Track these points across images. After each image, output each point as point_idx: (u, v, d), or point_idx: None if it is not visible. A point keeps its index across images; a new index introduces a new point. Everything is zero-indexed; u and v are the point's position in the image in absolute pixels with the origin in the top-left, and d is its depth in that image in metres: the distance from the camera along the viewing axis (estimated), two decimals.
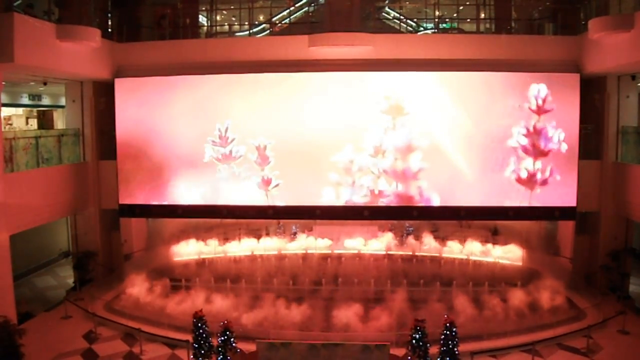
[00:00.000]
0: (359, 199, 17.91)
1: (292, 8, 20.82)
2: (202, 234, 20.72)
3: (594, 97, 17.55)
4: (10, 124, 22.67)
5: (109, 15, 19.17)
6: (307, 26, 18.99)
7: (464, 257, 19.66)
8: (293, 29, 20.03)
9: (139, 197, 18.29)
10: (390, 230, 20.57)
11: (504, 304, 15.91)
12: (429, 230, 20.43)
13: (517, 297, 16.32)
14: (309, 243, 20.39)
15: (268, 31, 20.80)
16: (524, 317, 14.73)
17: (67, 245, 21.48)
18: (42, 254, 20.78)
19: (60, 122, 23.42)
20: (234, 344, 11.96)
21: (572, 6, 17.72)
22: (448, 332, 11.60)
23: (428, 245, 19.57)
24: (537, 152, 17.20)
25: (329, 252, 20.15)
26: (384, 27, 20.90)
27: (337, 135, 17.57)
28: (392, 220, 19.90)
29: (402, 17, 21.71)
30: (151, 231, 20.49)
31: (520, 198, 17.41)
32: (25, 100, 23.71)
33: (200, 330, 12.05)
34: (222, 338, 11.85)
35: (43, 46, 14.51)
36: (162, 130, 17.95)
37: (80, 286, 17.67)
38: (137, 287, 16.86)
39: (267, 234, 21.01)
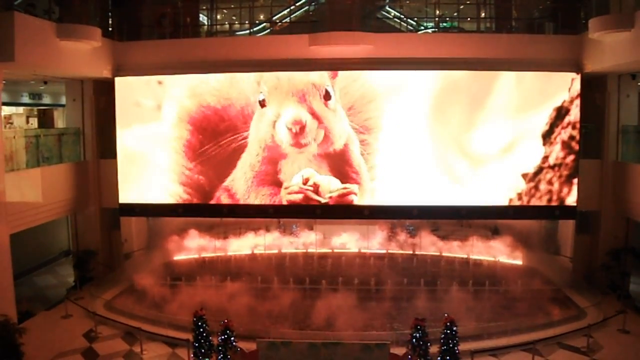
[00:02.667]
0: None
1: (292, 7, 20.81)
2: (202, 233, 20.75)
3: (594, 96, 17.54)
4: (11, 123, 22.71)
5: (110, 14, 19.18)
6: (307, 25, 18.97)
7: (464, 256, 19.73)
8: (293, 28, 20.02)
9: (140, 196, 18.27)
10: (391, 229, 20.62)
11: (504, 303, 15.97)
12: (430, 229, 20.46)
13: (517, 296, 16.39)
14: (310, 241, 20.46)
15: (268, 30, 20.81)
16: (524, 316, 14.72)
17: (67, 244, 21.48)
18: (43, 252, 20.77)
19: (60, 121, 23.46)
20: (234, 343, 11.96)
21: (572, 5, 17.71)
22: (448, 331, 11.60)
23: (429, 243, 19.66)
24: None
25: (329, 251, 20.22)
26: (385, 26, 20.89)
27: None
28: (392, 219, 19.91)
29: (402, 16, 21.69)
30: (151, 230, 20.48)
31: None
32: (25, 99, 23.75)
33: (201, 329, 12.05)
34: (223, 337, 11.85)
35: (43, 45, 14.51)
36: (162, 128, 17.91)
37: (80, 285, 17.66)
38: (137, 286, 16.91)
39: (268, 233, 21.02)
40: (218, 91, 17.58)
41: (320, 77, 17.13)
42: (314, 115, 17.16)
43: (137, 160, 18.13)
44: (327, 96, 17.10)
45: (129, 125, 18.04)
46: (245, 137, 17.61)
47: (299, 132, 17.12)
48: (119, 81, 17.98)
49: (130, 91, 17.94)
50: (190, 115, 17.78)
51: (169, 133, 17.91)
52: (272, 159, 17.62)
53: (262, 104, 17.24)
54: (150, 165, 18.11)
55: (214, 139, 17.77)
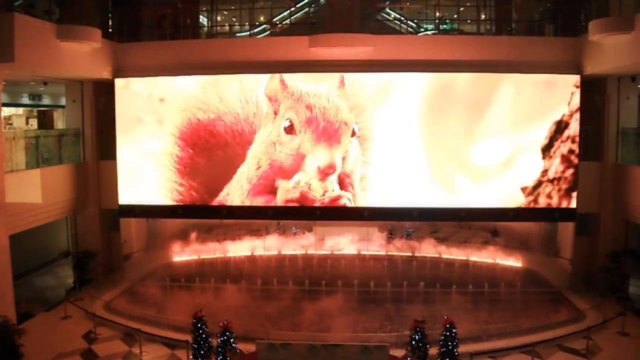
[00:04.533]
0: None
1: (292, 9, 20.82)
2: (202, 234, 20.77)
3: (594, 98, 17.54)
4: (11, 124, 22.69)
5: (110, 15, 19.18)
6: (307, 27, 18.99)
7: (464, 258, 19.74)
8: (293, 29, 20.02)
9: (139, 197, 18.25)
10: (390, 231, 20.65)
11: (503, 305, 15.96)
12: (429, 231, 20.44)
13: (517, 298, 16.39)
14: (309, 243, 20.46)
15: (268, 32, 20.81)
16: (523, 318, 14.72)
17: (67, 245, 21.47)
18: (42, 254, 20.75)
19: (60, 122, 23.42)
20: (233, 345, 11.96)
21: (572, 7, 17.72)
22: (448, 333, 11.61)
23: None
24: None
25: (329, 253, 20.22)
26: (385, 28, 20.90)
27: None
28: (391, 221, 19.92)
29: (402, 18, 21.71)
30: (151, 231, 20.47)
31: (520, 199, 17.39)
32: (25, 100, 23.77)
33: (200, 331, 12.05)
34: (222, 338, 11.85)
35: (43, 46, 14.51)
36: (162, 129, 17.91)
37: (79, 286, 17.65)
38: (137, 287, 16.89)
39: (267, 234, 21.05)
40: (219, 103, 17.57)
41: (349, 115, 17.19)
42: (344, 155, 17.38)
43: (136, 161, 18.10)
44: (353, 134, 17.25)
45: (129, 126, 18.02)
46: (244, 151, 17.61)
47: (329, 173, 17.40)
48: (119, 82, 17.98)
49: (130, 92, 17.91)
50: (186, 128, 17.75)
51: (168, 132, 17.93)
52: (273, 174, 17.57)
53: (289, 130, 17.21)
54: (149, 166, 18.07)
55: (209, 151, 17.75)
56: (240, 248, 20.64)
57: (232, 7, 21.46)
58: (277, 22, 21.11)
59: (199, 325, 12.05)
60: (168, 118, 17.80)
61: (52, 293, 18.42)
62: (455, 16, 21.65)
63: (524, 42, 17.57)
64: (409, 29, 21.43)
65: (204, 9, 21.41)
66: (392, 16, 22.11)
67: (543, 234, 19.41)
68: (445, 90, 17.22)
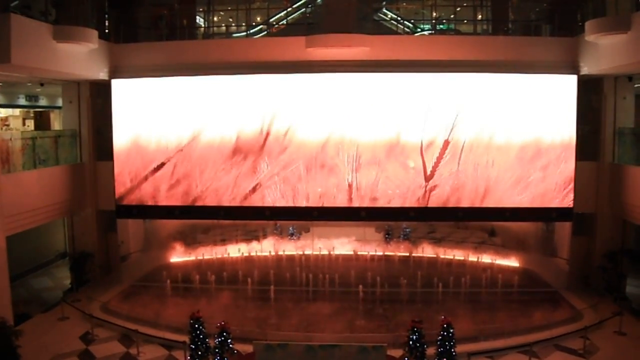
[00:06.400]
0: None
1: (289, 9, 20.82)
2: (199, 235, 20.74)
3: (591, 98, 17.59)
4: (7, 125, 22.70)
5: (106, 16, 19.14)
6: (304, 27, 18.97)
7: (461, 258, 19.77)
8: (290, 30, 20.02)
9: (136, 198, 18.22)
10: (387, 231, 20.66)
11: (500, 305, 15.99)
12: (426, 231, 20.44)
13: (514, 297, 16.42)
14: (306, 243, 20.47)
15: (265, 32, 20.80)
16: (520, 318, 14.74)
17: (64, 246, 21.42)
18: (39, 255, 20.71)
19: (57, 122, 23.44)
20: (230, 345, 11.96)
21: (569, 7, 17.74)
22: (445, 333, 11.61)
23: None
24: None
25: (326, 253, 20.23)
26: (382, 29, 20.92)
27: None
28: (389, 221, 19.92)
29: (399, 18, 21.72)
30: (148, 232, 20.45)
31: (517, 199, 17.40)
32: (22, 101, 23.73)
33: (197, 332, 12.05)
34: (219, 339, 11.84)
35: (40, 47, 14.47)
36: (159, 130, 17.89)
37: (77, 287, 17.64)
38: (134, 288, 16.86)
39: (264, 235, 21.05)
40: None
41: None
42: None
43: (133, 162, 18.07)
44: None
45: (126, 127, 17.97)
46: None
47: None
48: (116, 83, 17.94)
49: (126, 93, 17.88)
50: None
51: (166, 134, 17.89)
52: None
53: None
54: (146, 167, 18.03)
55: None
56: (237, 248, 20.63)
57: (229, 8, 21.44)
58: (274, 23, 21.11)
59: (197, 326, 12.05)
60: (166, 118, 17.78)
61: (49, 294, 18.39)
62: (452, 16, 21.69)
63: (520, 42, 17.59)
64: (405, 29, 21.44)
65: (201, 9, 21.39)
66: (389, 16, 22.13)
67: (540, 233, 19.45)
68: (442, 90, 17.21)
